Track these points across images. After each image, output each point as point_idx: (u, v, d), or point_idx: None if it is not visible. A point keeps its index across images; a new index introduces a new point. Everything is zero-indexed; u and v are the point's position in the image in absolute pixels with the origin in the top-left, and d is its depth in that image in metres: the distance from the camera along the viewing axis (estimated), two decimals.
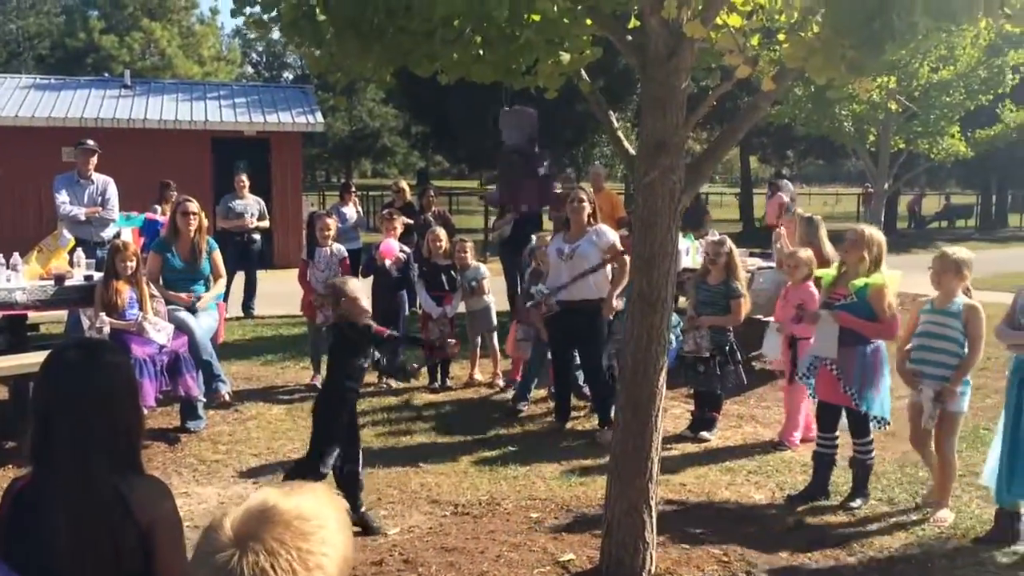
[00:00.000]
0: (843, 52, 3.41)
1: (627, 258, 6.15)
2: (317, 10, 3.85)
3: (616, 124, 4.14)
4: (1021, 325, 4.35)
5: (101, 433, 2.01)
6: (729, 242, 6.48)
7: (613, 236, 6.36)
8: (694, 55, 3.78)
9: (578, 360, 6.66)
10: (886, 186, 13.43)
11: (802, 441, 6.05)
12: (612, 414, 5.72)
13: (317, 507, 1.14)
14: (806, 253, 6.13)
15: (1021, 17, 3.41)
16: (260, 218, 10.87)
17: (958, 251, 4.86)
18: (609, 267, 6.30)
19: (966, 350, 4.65)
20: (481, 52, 3.65)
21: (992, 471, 4.59)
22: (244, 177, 10.98)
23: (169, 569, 2.01)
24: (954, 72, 12.12)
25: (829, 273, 5.30)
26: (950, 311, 4.69)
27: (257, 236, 10.84)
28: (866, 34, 3.32)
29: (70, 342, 2.52)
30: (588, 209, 6.32)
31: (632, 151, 3.98)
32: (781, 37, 4.19)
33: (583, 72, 4.07)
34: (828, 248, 6.90)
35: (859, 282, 4.85)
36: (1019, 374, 4.37)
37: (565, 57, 3.68)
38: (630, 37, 3.90)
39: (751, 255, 9.92)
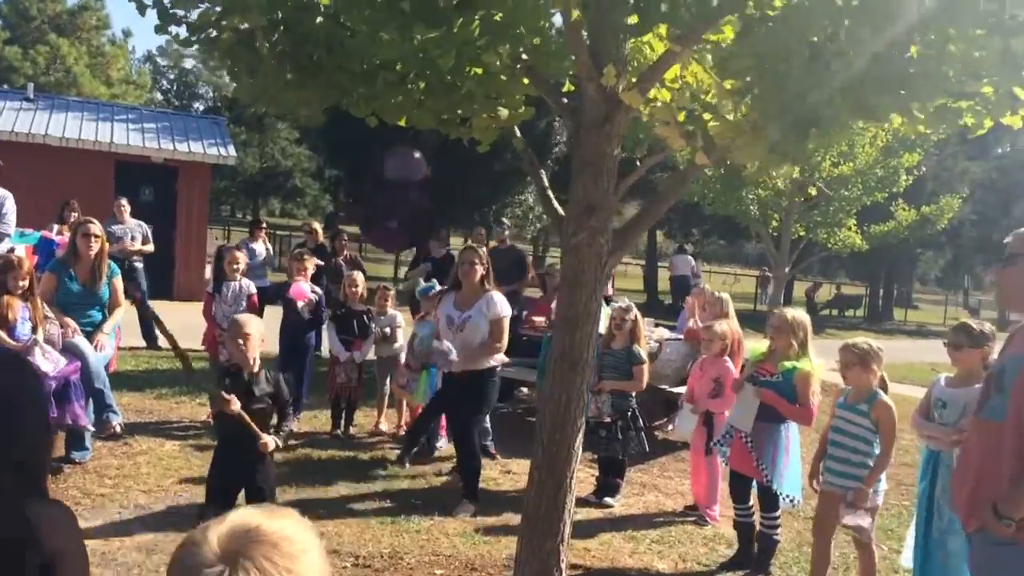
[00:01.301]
0: (768, 136, 3.56)
1: (504, 330, 5.88)
2: (257, 38, 3.80)
3: (546, 183, 4.17)
4: (934, 417, 4.40)
5: (5, 451, 1.87)
6: (635, 309, 6.59)
7: (502, 309, 5.91)
8: (626, 122, 3.87)
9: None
10: (785, 270, 13.97)
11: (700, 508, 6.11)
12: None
13: (299, 531, 1.13)
14: (722, 327, 6.21)
15: (935, 120, 3.64)
16: (144, 242, 10.46)
17: (860, 343, 4.67)
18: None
19: (876, 448, 4.52)
20: (422, 99, 3.66)
21: (910, 553, 4.55)
22: (124, 201, 10.60)
23: None
24: (853, 168, 12.80)
25: (757, 349, 5.41)
26: (857, 407, 4.56)
27: (139, 263, 10.40)
28: (791, 120, 3.47)
29: None
30: (480, 272, 5.92)
31: (561, 211, 4.02)
32: (707, 116, 4.36)
33: (516, 129, 4.11)
34: (735, 326, 7.09)
35: (789, 364, 4.94)
36: (931, 466, 4.40)
37: (503, 112, 3.72)
38: (566, 100, 3.98)
39: (657, 325, 10.13)
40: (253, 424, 4.19)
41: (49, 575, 1.81)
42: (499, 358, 5.97)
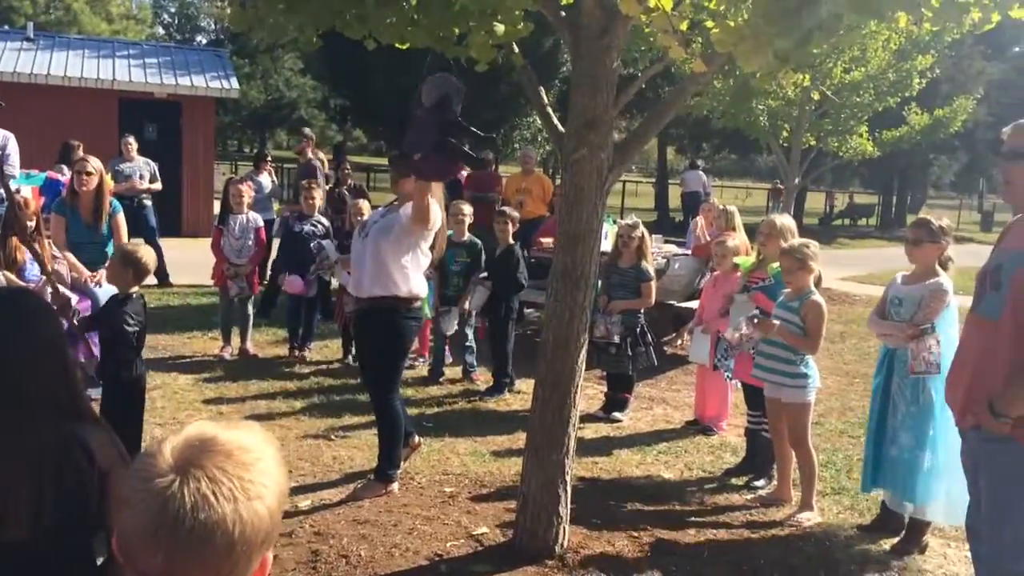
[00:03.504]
0: (771, 40, 3.47)
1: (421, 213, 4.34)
2: None
3: (546, 100, 4.12)
4: (891, 315, 4.44)
5: (39, 381, 1.96)
6: (641, 226, 6.56)
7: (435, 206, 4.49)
8: (626, 34, 3.80)
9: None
10: (796, 181, 13.83)
11: (707, 420, 6.19)
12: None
13: (255, 441, 1.14)
14: (733, 242, 6.14)
15: (940, 16, 3.53)
16: (152, 180, 10.43)
17: (798, 246, 4.67)
18: (409, 256, 4.50)
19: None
20: (415, 16, 3.58)
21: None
22: (131, 139, 10.54)
23: None
24: (865, 73, 12.53)
25: (747, 260, 5.44)
26: (790, 304, 4.62)
27: (148, 201, 10.36)
28: (794, 23, 3.39)
29: None
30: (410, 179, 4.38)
31: (561, 128, 3.97)
32: (709, 24, 4.25)
33: (515, 46, 4.04)
34: (743, 238, 7.07)
35: (776, 266, 4.98)
36: (886, 361, 4.45)
37: (499, 28, 3.64)
38: (564, 13, 3.89)
39: (667, 242, 10.11)
40: None
41: (104, 486, 1.95)
42: (412, 285, 4.51)
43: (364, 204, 7.58)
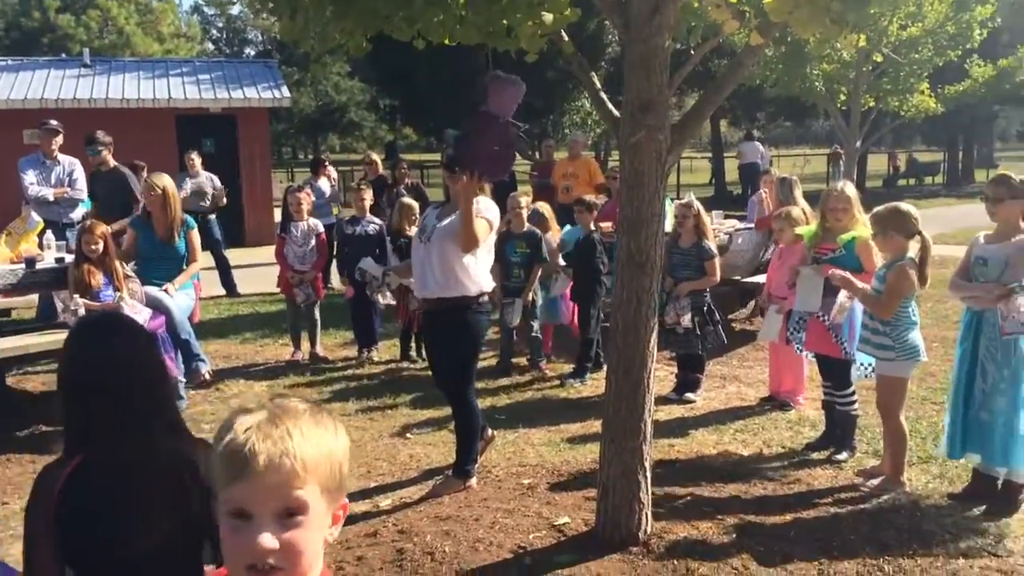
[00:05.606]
0: (828, 4, 3.38)
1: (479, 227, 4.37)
2: None
3: (599, 86, 4.07)
4: (974, 276, 4.31)
5: (146, 400, 2.03)
6: (696, 203, 6.46)
7: (486, 209, 4.49)
8: (676, 13, 3.73)
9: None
10: (857, 145, 13.49)
11: (784, 395, 6.08)
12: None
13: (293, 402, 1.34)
14: (794, 212, 6.05)
15: None
16: (217, 196, 10.68)
17: (880, 209, 4.51)
18: (474, 256, 4.47)
19: (898, 319, 4.49)
20: (463, 14, 3.57)
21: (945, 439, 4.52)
22: (194, 155, 10.85)
23: None
24: (922, 29, 12.16)
25: (809, 229, 5.31)
26: (880, 274, 4.53)
27: (212, 214, 10.64)
28: None
29: (87, 319, 2.51)
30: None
31: (616, 112, 3.93)
32: None
33: (563, 34, 4.00)
34: (805, 207, 6.90)
35: (847, 236, 4.86)
36: (973, 326, 4.32)
37: (548, 17, 3.61)
38: None
39: (728, 217, 9.95)
40: None
41: (209, 499, 2.00)
42: (480, 283, 4.53)
43: (414, 205, 7.52)
